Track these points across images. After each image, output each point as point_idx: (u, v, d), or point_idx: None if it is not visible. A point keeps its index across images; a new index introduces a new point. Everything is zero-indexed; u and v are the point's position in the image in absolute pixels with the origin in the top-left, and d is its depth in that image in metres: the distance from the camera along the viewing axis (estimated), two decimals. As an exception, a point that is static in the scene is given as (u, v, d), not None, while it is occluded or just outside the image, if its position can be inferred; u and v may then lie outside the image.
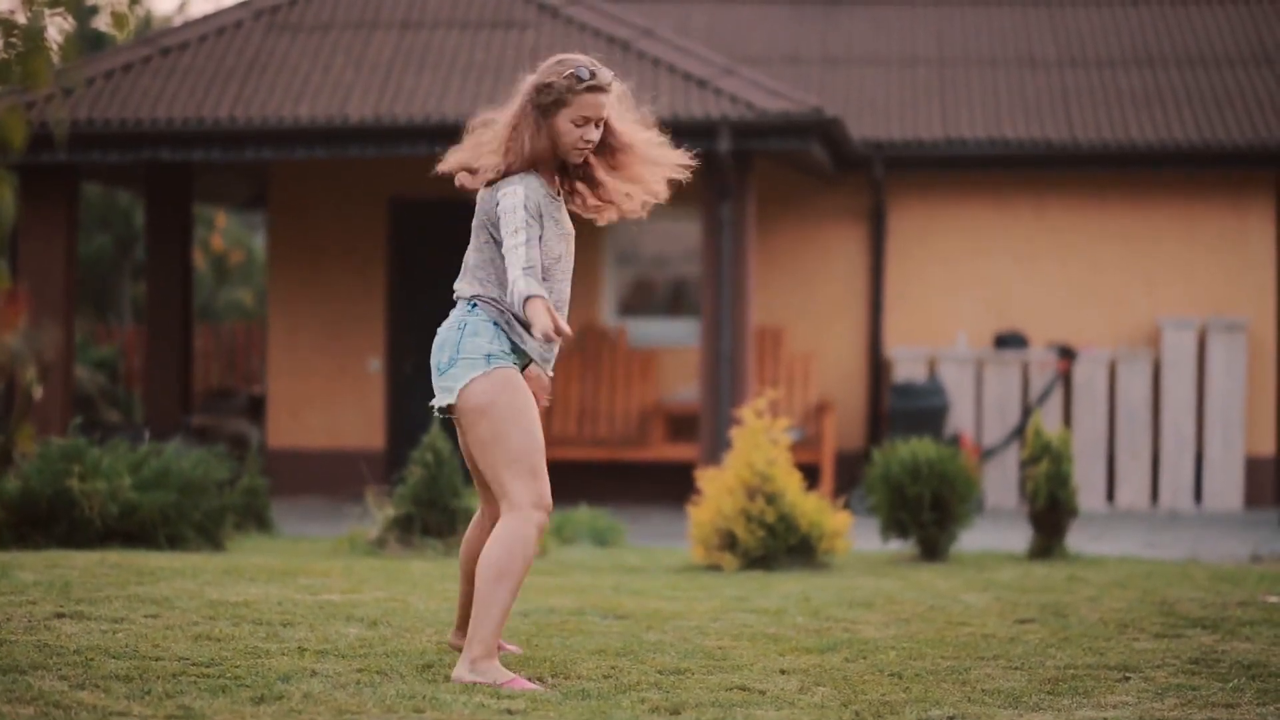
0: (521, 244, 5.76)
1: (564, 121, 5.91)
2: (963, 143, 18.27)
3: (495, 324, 5.88)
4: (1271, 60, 19.31)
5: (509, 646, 6.30)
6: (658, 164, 6.11)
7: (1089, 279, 18.48)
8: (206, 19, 17.56)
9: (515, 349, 5.90)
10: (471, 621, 5.80)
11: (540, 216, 5.87)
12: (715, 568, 10.72)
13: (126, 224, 27.85)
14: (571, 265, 6.02)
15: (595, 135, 5.93)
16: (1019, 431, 17.71)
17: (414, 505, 11.24)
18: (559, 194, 6.02)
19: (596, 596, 8.43)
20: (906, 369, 17.99)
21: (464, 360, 5.85)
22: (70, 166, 16.82)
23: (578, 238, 6.17)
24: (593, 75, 5.90)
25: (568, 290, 6.04)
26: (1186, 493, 17.91)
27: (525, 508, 5.76)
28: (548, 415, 18.17)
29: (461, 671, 5.76)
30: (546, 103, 5.90)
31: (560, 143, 5.93)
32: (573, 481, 18.04)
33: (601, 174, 6.08)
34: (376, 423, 18.70)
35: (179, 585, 7.84)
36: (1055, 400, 17.93)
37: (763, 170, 17.90)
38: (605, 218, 6.20)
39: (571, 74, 5.89)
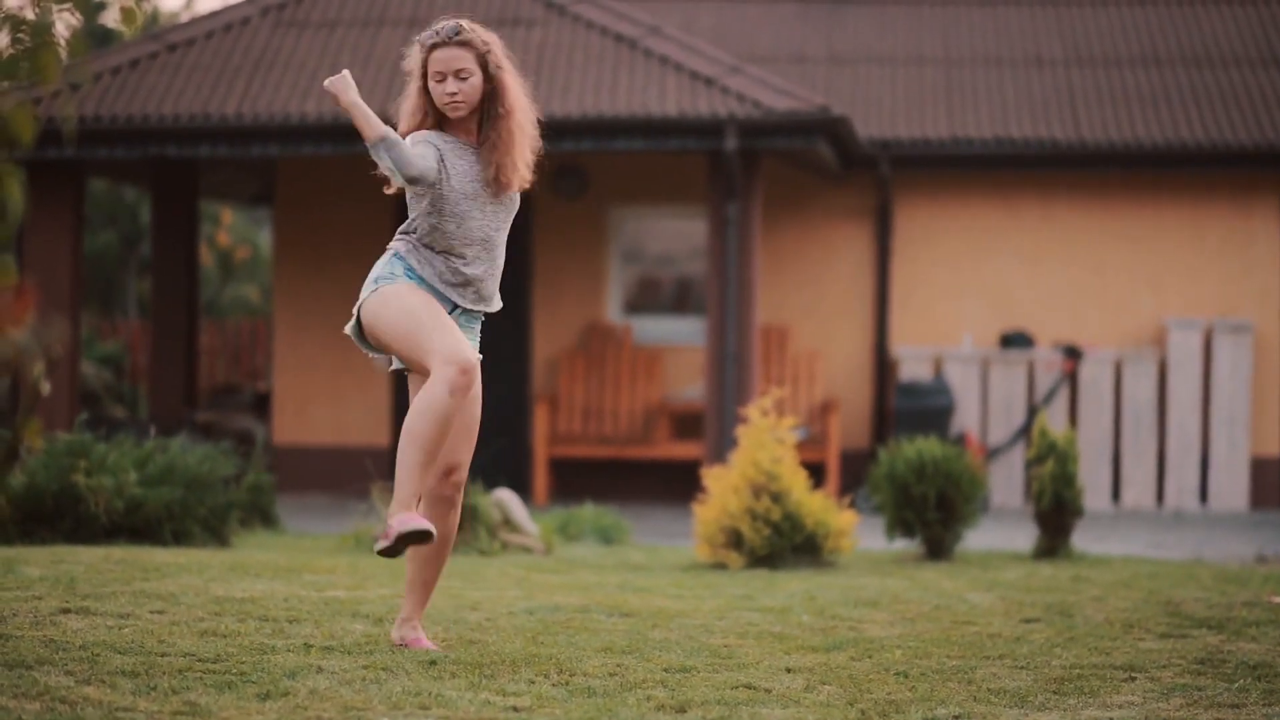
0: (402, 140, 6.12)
1: (431, 82, 6.23)
2: (969, 142, 18.26)
3: (394, 255, 6.24)
4: (1279, 61, 19.29)
5: (426, 642, 6.33)
6: (522, 141, 6.32)
7: (1095, 279, 18.47)
8: (213, 15, 17.57)
9: (413, 274, 6.20)
10: (395, 483, 6.06)
11: (442, 159, 6.16)
12: (721, 566, 10.72)
13: (132, 220, 27.86)
14: (497, 234, 6.23)
15: (454, 87, 6.18)
16: (1024, 431, 17.70)
17: (419, 502, 11.23)
18: (475, 146, 6.26)
19: (602, 594, 8.43)
20: (912, 368, 17.99)
21: (363, 291, 6.29)
22: (77, 162, 16.83)
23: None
24: (436, 34, 6.26)
25: (500, 258, 6.27)
26: (1192, 493, 17.90)
27: (438, 366, 6.00)
28: (553, 414, 18.18)
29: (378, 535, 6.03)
30: (417, 71, 6.28)
31: (436, 103, 6.24)
32: (578, 479, 18.05)
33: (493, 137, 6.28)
34: (382, 419, 18.71)
35: (185, 581, 7.84)
36: (1061, 400, 17.93)
37: (769, 169, 17.89)
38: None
39: (418, 40, 6.30)
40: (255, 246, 30.89)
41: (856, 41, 20.04)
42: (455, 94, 6.16)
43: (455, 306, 6.21)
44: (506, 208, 6.28)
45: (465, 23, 6.29)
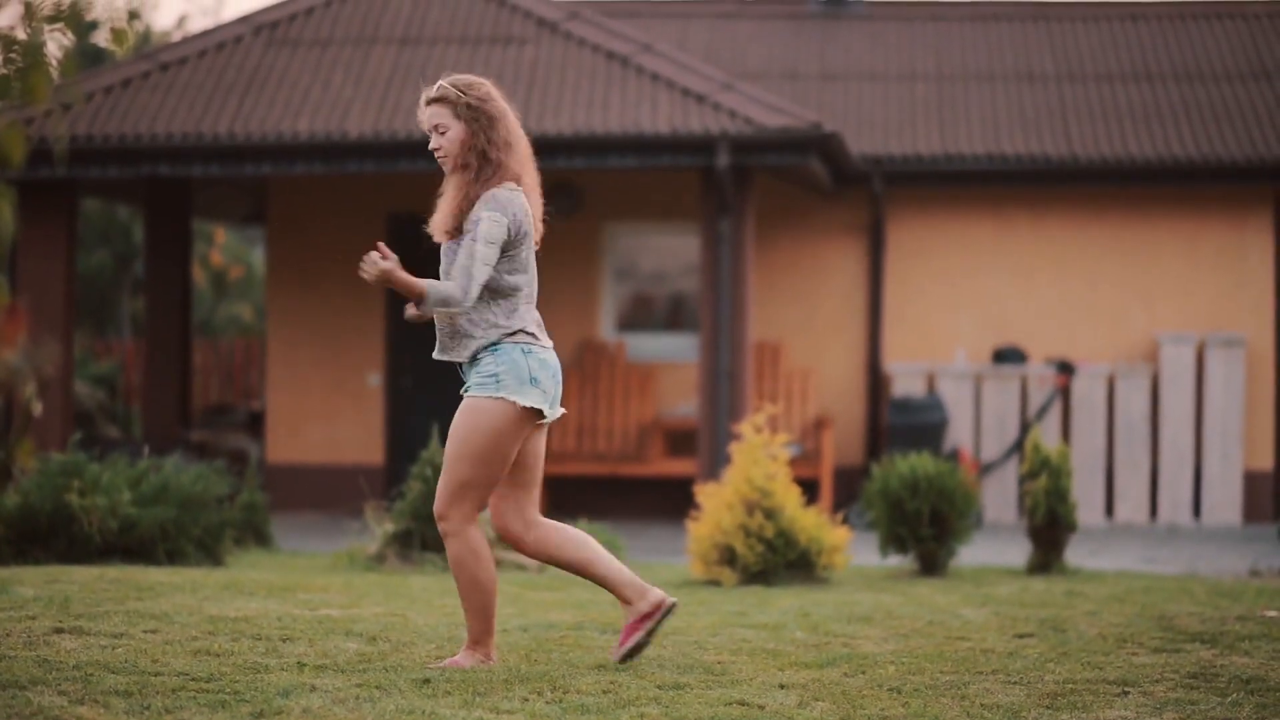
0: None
1: None
2: (961, 158, 18.29)
3: (528, 353, 6.87)
4: (1270, 76, 19.33)
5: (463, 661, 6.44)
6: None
7: (1087, 294, 18.49)
8: (206, 34, 17.58)
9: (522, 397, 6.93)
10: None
11: (522, 215, 6.59)
12: (714, 583, 10.72)
13: (126, 239, 27.86)
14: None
15: (435, 142, 6.38)
16: (1018, 446, 17.71)
17: (413, 520, 11.25)
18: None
19: (596, 611, 8.44)
20: (905, 384, 18.00)
21: (501, 368, 6.74)
22: (69, 182, 16.83)
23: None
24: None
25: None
26: (1185, 507, 17.90)
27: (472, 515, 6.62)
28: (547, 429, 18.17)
29: None
30: None
31: None
32: (572, 496, 18.04)
33: None
34: (375, 438, 18.70)
35: (178, 600, 7.84)
36: (1054, 415, 17.93)
37: (762, 185, 17.91)
38: None
39: None
40: (248, 265, 30.89)
41: (849, 58, 20.07)
42: (438, 148, 6.40)
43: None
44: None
45: (445, 80, 6.41)
